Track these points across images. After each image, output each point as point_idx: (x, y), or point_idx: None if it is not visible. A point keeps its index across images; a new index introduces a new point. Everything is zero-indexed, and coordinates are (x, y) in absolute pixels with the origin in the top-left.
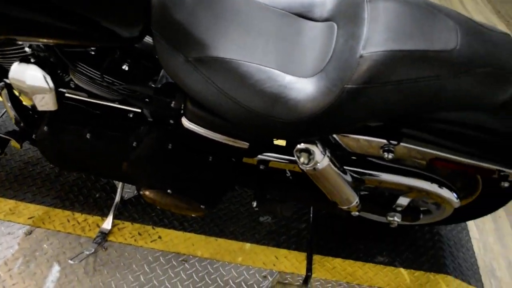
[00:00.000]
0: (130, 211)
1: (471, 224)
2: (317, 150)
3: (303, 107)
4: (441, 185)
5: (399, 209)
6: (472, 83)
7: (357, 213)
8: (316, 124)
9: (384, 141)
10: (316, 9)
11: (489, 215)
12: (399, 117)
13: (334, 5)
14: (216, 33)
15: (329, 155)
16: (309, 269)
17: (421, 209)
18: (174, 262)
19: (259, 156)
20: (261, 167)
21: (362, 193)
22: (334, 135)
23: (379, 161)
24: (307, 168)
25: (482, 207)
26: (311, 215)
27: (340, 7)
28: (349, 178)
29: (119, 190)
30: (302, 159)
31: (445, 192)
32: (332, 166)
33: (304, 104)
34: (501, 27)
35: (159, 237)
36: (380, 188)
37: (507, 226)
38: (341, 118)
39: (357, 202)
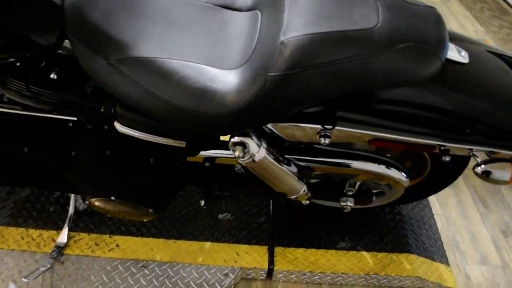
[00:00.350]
0: (86, 222)
1: (433, 200)
2: (251, 142)
3: (229, 100)
4: (388, 165)
5: (350, 193)
6: (397, 60)
7: (307, 202)
8: (244, 116)
9: (319, 126)
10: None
11: (451, 190)
12: (330, 101)
13: None
14: (136, 32)
15: (265, 146)
16: (271, 262)
17: (374, 191)
18: (133, 269)
19: (204, 154)
20: (207, 164)
21: (312, 181)
22: (269, 125)
23: (323, 147)
24: (245, 161)
25: (434, 183)
26: (271, 208)
27: None
28: (293, 168)
29: (72, 201)
30: (237, 153)
31: (393, 173)
32: (270, 157)
33: (230, 97)
34: (455, 2)
35: (117, 245)
36: (329, 174)
37: (468, 199)
38: (269, 107)
39: (304, 191)
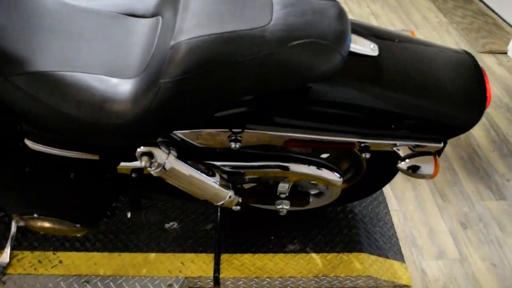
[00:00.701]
0: (29, 240)
1: (390, 196)
2: (158, 152)
3: (127, 110)
4: (319, 166)
5: (283, 195)
6: (293, 57)
7: (238, 208)
8: (142, 125)
9: (228, 130)
10: (143, 5)
11: (408, 183)
12: (237, 103)
13: (155, 1)
14: (34, 46)
15: (175, 154)
16: (216, 269)
17: (313, 192)
18: (75, 285)
19: (125, 165)
20: (133, 175)
21: (247, 185)
22: (178, 133)
23: (250, 151)
24: (154, 171)
25: (373, 182)
26: (218, 214)
27: (163, 0)
28: (214, 174)
29: (14, 220)
30: (143, 163)
31: (325, 173)
32: (183, 165)
33: (128, 106)
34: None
35: (60, 262)
36: (259, 178)
37: (426, 192)
38: (166, 115)
39: (230, 197)
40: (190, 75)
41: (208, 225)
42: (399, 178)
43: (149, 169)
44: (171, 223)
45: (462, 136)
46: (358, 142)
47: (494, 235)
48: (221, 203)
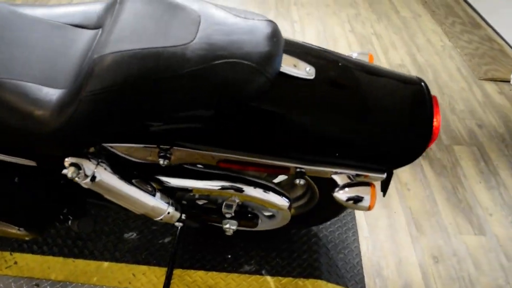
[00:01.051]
0: None
1: (362, 222)
2: (86, 163)
3: (53, 119)
4: (267, 189)
5: (228, 215)
6: (214, 76)
7: (181, 224)
8: (65, 135)
9: (155, 146)
10: (89, 17)
11: (384, 211)
12: (159, 119)
13: (103, 10)
14: None
15: (105, 167)
16: (166, 284)
17: (266, 213)
18: (25, 287)
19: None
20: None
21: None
22: (108, 146)
23: (202, 169)
24: (81, 182)
25: (328, 209)
26: (179, 228)
27: (106, 12)
28: (152, 189)
29: None
30: (69, 173)
31: (272, 197)
32: (111, 178)
33: (54, 116)
34: (426, 16)
35: (15, 263)
36: (207, 196)
37: (401, 221)
38: (86, 127)
39: (170, 213)
40: (107, 89)
41: (167, 238)
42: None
43: (76, 179)
44: (130, 233)
45: (448, 165)
46: (294, 167)
47: (467, 272)
48: (159, 218)
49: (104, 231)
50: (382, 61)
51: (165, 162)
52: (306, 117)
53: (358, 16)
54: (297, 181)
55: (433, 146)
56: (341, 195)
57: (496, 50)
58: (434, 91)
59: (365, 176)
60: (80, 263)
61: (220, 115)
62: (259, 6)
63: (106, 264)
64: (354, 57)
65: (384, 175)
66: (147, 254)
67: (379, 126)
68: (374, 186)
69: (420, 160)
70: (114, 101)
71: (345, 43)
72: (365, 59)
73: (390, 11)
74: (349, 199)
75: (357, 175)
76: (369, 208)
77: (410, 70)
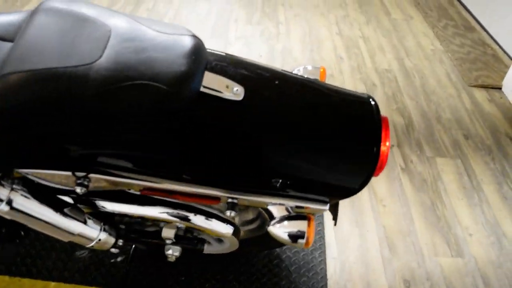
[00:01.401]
0: None
1: (331, 242)
2: None
3: None
4: (210, 217)
5: (168, 241)
6: (120, 100)
7: (117, 250)
8: None
9: (70, 173)
10: (9, 28)
11: (355, 230)
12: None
13: (20, 21)
14: None
15: (22, 192)
16: None
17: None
18: None
19: None
20: None
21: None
22: (23, 171)
23: (133, 193)
24: None
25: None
26: (133, 247)
27: (20, 24)
28: (79, 214)
29: None
30: None
31: (215, 225)
32: (28, 203)
33: None
34: (418, 19)
35: None
36: (146, 220)
37: (374, 242)
38: None
39: (101, 240)
40: (7, 112)
41: (120, 257)
42: (345, 223)
43: None
44: (82, 251)
45: (429, 179)
46: (224, 196)
47: None
48: (90, 245)
49: (55, 247)
50: (368, 66)
51: (82, 190)
52: (233, 142)
53: (346, 18)
54: (228, 213)
55: (414, 158)
56: (276, 229)
57: (489, 55)
58: (420, 98)
59: (305, 208)
60: (26, 282)
61: (133, 140)
62: (246, 6)
63: (53, 284)
64: (302, 73)
65: (327, 207)
66: (96, 275)
67: (318, 152)
68: (312, 220)
69: (399, 173)
70: (14, 124)
71: (330, 46)
72: (315, 74)
73: (381, 13)
74: (283, 234)
75: (297, 207)
76: (305, 246)
77: (396, 75)
